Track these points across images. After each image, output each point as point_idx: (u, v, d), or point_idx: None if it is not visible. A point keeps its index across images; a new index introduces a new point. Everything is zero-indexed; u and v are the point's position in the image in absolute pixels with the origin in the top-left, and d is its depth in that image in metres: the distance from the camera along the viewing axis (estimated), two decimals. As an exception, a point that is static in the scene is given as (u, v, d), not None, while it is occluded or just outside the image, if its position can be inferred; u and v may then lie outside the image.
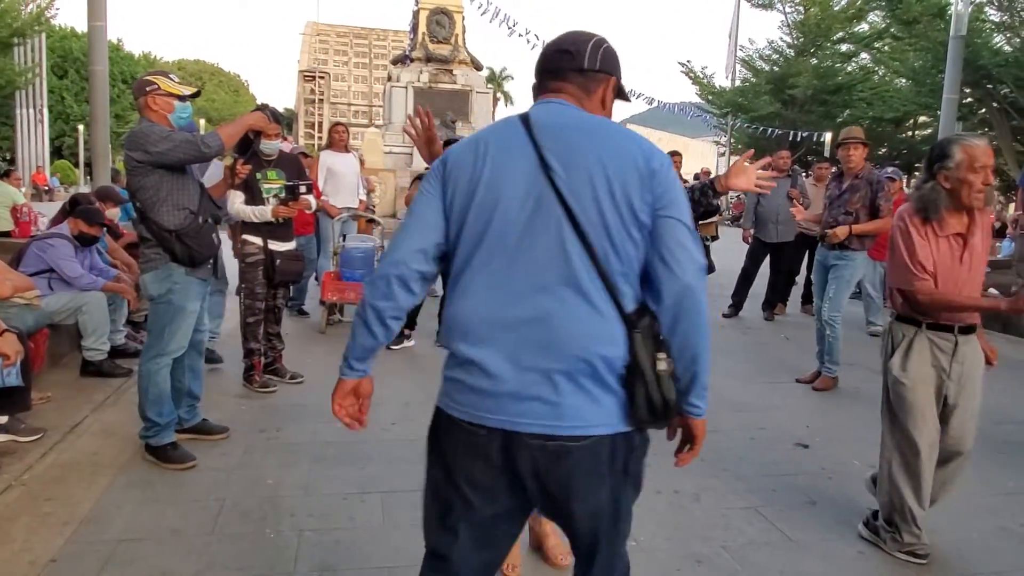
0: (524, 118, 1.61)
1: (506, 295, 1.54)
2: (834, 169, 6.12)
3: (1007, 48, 17.61)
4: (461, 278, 1.60)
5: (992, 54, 17.29)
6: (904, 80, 22.88)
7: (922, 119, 23.55)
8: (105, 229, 5.32)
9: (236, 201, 4.57)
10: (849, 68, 27.92)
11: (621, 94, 1.74)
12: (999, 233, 14.60)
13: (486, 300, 1.55)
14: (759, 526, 3.14)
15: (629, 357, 1.52)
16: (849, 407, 4.99)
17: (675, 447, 1.73)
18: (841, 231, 5.11)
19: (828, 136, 24.26)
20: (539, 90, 1.70)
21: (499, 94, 52.86)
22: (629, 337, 1.52)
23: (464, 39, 19.48)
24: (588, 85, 1.66)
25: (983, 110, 19.71)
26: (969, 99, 18.44)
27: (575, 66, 1.65)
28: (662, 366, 1.52)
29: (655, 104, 28.67)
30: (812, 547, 2.97)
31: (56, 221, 5.38)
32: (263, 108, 4.25)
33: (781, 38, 29.09)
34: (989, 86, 18.02)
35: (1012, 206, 14.17)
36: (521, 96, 66.84)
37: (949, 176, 2.73)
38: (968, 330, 2.86)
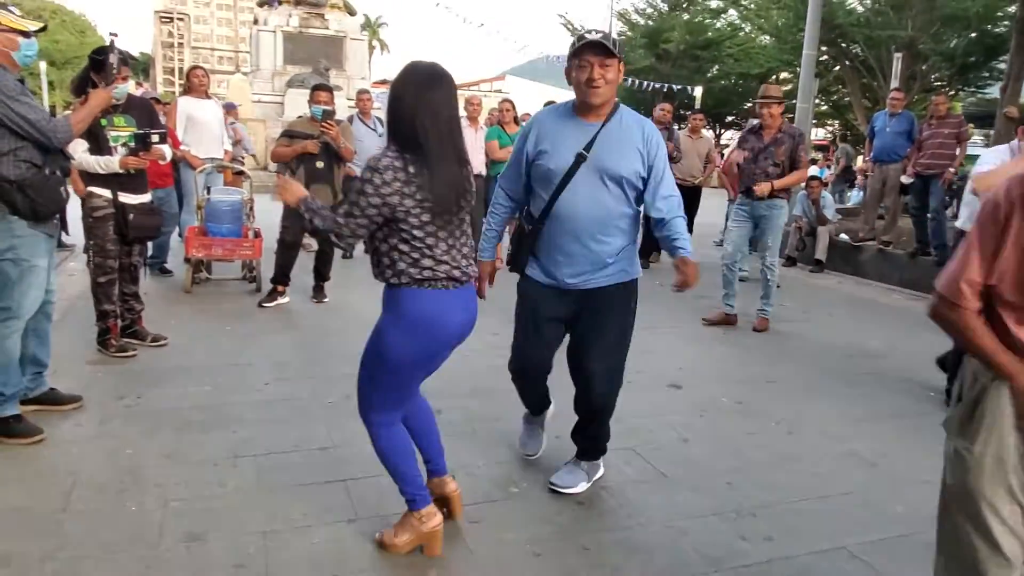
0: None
1: None
2: (753, 123, 6.39)
3: (859, 8, 18.82)
4: None
5: (846, 14, 18.50)
6: (768, 37, 23.96)
7: (784, 75, 24.80)
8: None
9: (79, 150, 4.12)
10: (718, 24, 28.97)
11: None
12: (850, 183, 15.74)
13: None
14: (637, 465, 3.25)
15: None
16: (718, 348, 5.30)
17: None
18: (764, 187, 5.47)
19: (699, 90, 25.19)
20: None
21: (374, 42, 51.04)
22: None
23: (336, -19, 18.57)
24: None
25: (837, 67, 21.02)
26: (825, 56, 19.56)
27: None
28: None
29: (538, 56, 28.64)
30: (684, 481, 3.12)
31: None
32: (111, 47, 3.84)
33: (656, -8, 29.67)
34: (843, 44, 19.20)
35: (860, 158, 15.30)
36: (396, 44, 64.44)
37: None
38: None
